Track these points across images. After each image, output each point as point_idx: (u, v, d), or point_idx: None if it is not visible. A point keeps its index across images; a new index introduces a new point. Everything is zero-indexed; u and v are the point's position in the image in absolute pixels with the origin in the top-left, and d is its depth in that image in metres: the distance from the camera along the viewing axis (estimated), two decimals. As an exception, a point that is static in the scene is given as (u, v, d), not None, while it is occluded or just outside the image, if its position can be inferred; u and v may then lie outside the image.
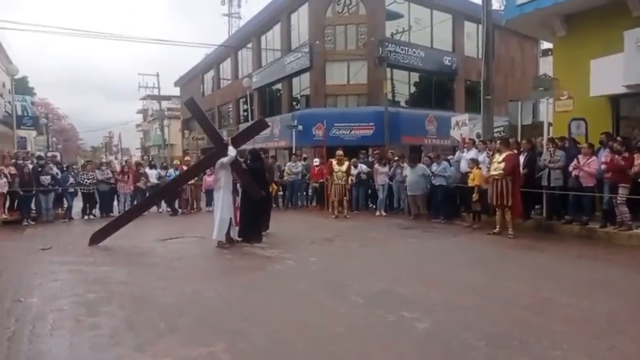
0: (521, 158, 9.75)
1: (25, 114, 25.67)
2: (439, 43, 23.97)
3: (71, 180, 13.27)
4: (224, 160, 8.50)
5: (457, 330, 4.10)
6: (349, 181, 12.87)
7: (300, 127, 20.31)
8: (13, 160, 13.28)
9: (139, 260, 7.66)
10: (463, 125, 13.88)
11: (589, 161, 8.90)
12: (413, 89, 24.08)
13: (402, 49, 21.98)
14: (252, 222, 8.99)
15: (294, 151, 18.40)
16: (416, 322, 4.32)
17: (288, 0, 23.46)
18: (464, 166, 11.07)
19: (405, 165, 12.29)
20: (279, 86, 26.16)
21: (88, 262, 7.36)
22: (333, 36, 22.39)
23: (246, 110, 27.31)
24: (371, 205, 14.00)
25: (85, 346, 3.92)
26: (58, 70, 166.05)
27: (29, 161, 13.88)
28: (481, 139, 12.22)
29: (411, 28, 22.47)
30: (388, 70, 21.19)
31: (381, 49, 20.56)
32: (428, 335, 4.04)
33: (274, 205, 13.38)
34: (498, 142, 9.75)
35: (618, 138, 9.11)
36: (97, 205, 13.73)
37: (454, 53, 24.36)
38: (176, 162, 16.95)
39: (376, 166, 13.27)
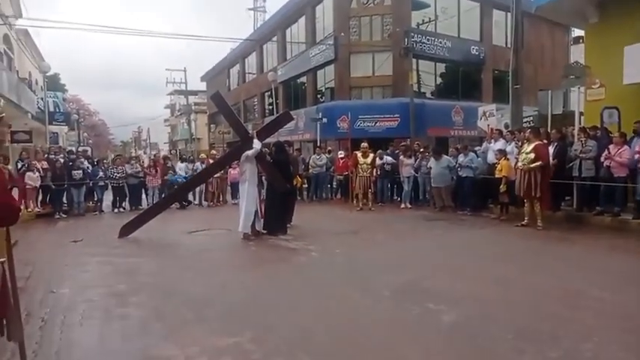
0: (551, 149, 9.53)
1: (57, 110, 26.30)
2: (466, 33, 23.56)
3: (101, 174, 13.57)
4: (249, 153, 8.54)
5: (484, 323, 4.04)
6: (374, 174, 12.80)
7: (325, 120, 20.27)
8: (45, 155, 13.66)
9: (166, 252, 7.79)
10: (490, 115, 13.63)
11: (620, 151, 8.64)
12: (439, 80, 23.75)
13: (428, 40, 21.68)
14: (276, 214, 9.03)
15: (318, 144, 18.39)
16: (442, 315, 4.27)
17: (312, -8, 23.41)
18: (491, 157, 10.88)
19: (430, 157, 12.16)
20: (303, 79, 26.15)
21: (117, 254, 7.52)
22: (358, 27, 22.24)
23: (271, 104, 27.41)
24: (396, 198, 13.90)
25: (114, 336, 4.01)
26: (89, 67, 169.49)
27: (60, 155, 14.25)
28: (509, 129, 11.98)
29: (438, 17, 22.14)
30: (414, 60, 20.94)
31: (406, 39, 20.31)
32: (454, 328, 3.99)
33: (299, 198, 13.43)
34: (528, 131, 9.54)
35: (653, 126, 8.82)
36: (127, 199, 14.01)
37: (482, 42, 23.90)
38: (202, 155, 17.14)
39: (401, 157, 13.15)
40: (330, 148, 17.28)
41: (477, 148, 12.36)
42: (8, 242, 2.65)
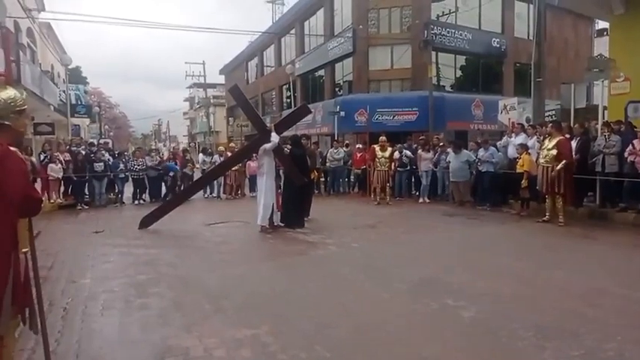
0: (573, 143, 9.34)
1: (79, 103, 26.64)
2: (487, 25, 23.22)
3: (121, 166, 13.76)
4: (267, 146, 8.55)
5: (504, 320, 3.98)
6: (392, 167, 12.71)
7: (343, 113, 20.21)
8: (67, 147, 13.88)
9: (186, 243, 7.86)
10: (511, 109, 13.44)
11: (645, 146, 8.42)
12: (459, 73, 23.48)
13: (448, 32, 21.42)
14: (294, 208, 9.05)
15: (336, 138, 18.35)
16: (461, 311, 4.23)
17: (331, -15, 23.29)
18: (512, 152, 10.72)
19: (449, 151, 12.04)
20: (321, 72, 26.09)
21: (137, 245, 7.62)
22: (376, 20, 22.07)
23: (289, 97, 27.46)
24: (414, 192, 13.80)
25: (134, 326, 4.06)
26: (110, 60, 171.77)
27: (82, 147, 14.47)
28: (531, 123, 11.78)
29: (458, 9, 21.83)
30: (433, 53, 20.70)
31: (426, 32, 20.09)
32: (473, 324, 3.95)
33: (316, 191, 13.43)
34: (550, 125, 9.36)
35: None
36: (147, 190, 14.18)
37: (503, 35, 23.53)
38: (220, 148, 17.25)
39: (420, 152, 13.04)
40: (347, 141, 17.23)
41: (497, 143, 12.18)
42: (30, 233, 2.69)
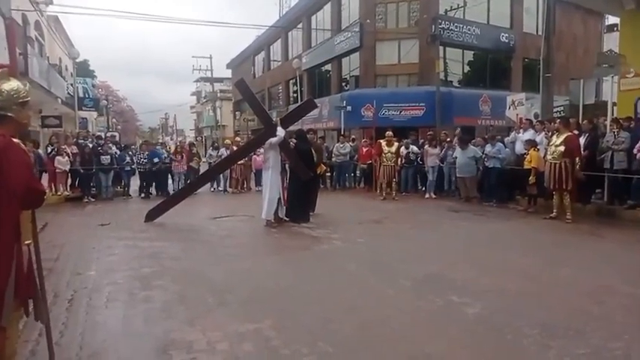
0: (582, 139, 9.25)
1: (87, 96, 26.72)
2: (496, 19, 23.02)
3: (128, 159, 13.79)
4: (273, 140, 8.54)
5: (509, 317, 3.95)
6: (398, 163, 12.66)
7: (349, 108, 20.14)
8: (74, 140, 13.93)
9: (191, 237, 7.87)
10: (519, 105, 13.34)
11: (656, 143, 8.33)
12: (467, 68, 23.33)
13: (456, 27, 21.25)
14: (299, 202, 9.03)
15: (342, 132, 18.29)
16: (466, 308, 4.20)
17: (339, -22, 23.16)
18: (519, 148, 10.64)
19: (456, 146, 11.97)
20: (328, 67, 25.99)
21: (143, 238, 7.64)
22: (384, 14, 21.94)
23: (295, 91, 27.37)
24: (420, 187, 13.74)
25: (138, 319, 4.07)
26: (118, 53, 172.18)
27: (89, 140, 14.52)
28: (539, 119, 11.68)
29: (467, 4, 21.64)
30: (441, 48, 20.58)
31: (434, 26, 19.95)
32: (478, 321, 3.92)
33: (322, 186, 13.41)
34: (557, 121, 9.27)
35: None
36: (153, 184, 14.22)
37: (512, 30, 23.33)
38: (227, 142, 17.25)
39: (426, 147, 12.98)
40: (354, 136, 17.17)
41: (505, 139, 12.09)
42: (34, 224, 2.68)
